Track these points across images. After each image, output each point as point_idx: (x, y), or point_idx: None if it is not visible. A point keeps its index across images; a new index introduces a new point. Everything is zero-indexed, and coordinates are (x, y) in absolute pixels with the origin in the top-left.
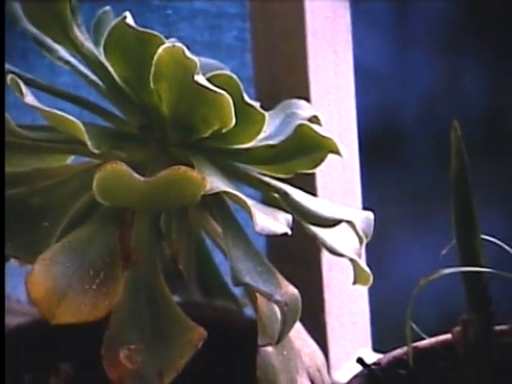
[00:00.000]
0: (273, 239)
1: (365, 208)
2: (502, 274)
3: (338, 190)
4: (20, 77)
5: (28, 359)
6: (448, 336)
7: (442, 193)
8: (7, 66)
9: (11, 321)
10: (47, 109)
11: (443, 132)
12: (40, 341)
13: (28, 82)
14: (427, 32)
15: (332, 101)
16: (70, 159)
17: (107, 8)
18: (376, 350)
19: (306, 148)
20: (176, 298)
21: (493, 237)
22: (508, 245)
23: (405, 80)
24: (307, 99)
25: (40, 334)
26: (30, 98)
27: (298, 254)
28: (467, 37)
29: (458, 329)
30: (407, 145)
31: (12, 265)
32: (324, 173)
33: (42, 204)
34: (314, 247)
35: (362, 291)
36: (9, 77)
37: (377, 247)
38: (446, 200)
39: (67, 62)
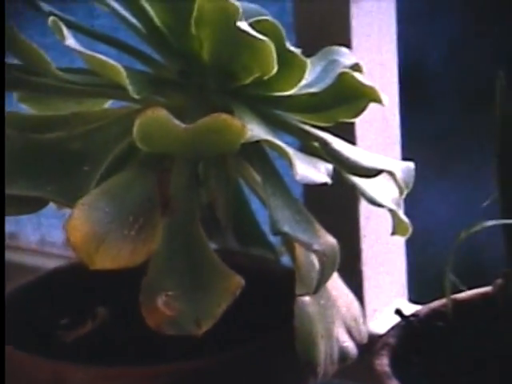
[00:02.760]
0: (311, 188)
1: (405, 158)
2: None
3: (378, 139)
4: (60, 19)
5: (65, 302)
6: (488, 288)
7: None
8: (47, 8)
9: (46, 263)
10: (88, 52)
11: None
12: (77, 284)
13: (67, 24)
14: None
15: (373, 47)
16: (109, 104)
17: None
18: (412, 300)
19: (347, 96)
20: (213, 246)
21: None
22: None
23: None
24: (348, 46)
25: (77, 277)
26: (71, 41)
27: (336, 204)
28: None
29: (499, 281)
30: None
31: (48, 208)
32: (363, 122)
33: (81, 148)
34: (352, 197)
35: (399, 242)
36: (50, 19)
37: (415, 196)
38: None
39: (107, 5)
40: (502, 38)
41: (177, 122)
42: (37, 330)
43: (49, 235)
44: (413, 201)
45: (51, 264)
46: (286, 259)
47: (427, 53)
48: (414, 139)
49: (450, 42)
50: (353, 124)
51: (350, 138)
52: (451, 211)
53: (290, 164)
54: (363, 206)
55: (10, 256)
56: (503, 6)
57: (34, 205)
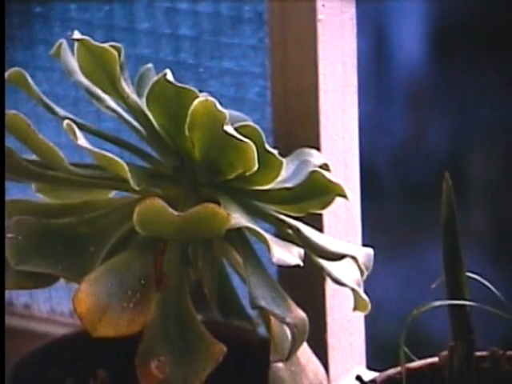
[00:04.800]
0: (284, 268)
1: (365, 244)
2: (483, 307)
3: (342, 228)
4: (73, 122)
5: (71, 365)
6: (435, 359)
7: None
8: (63, 113)
9: (57, 331)
10: (96, 150)
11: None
12: (82, 349)
13: (79, 126)
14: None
15: (339, 151)
16: (113, 194)
17: (149, 65)
18: (370, 368)
19: (317, 191)
20: (200, 317)
21: (476, 274)
22: (488, 281)
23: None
24: (318, 148)
25: (82, 343)
26: (82, 141)
27: (306, 282)
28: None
29: (444, 353)
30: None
31: (58, 282)
32: (330, 212)
33: (88, 232)
34: (320, 276)
35: (360, 316)
36: (65, 122)
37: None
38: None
39: (114, 111)
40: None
41: (171, 210)
42: None
43: (58, 306)
44: (368, 280)
45: (60, 331)
46: (262, 330)
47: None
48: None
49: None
50: (321, 214)
51: (319, 227)
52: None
53: (268, 248)
54: (329, 284)
55: (24, 324)
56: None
57: (46, 280)
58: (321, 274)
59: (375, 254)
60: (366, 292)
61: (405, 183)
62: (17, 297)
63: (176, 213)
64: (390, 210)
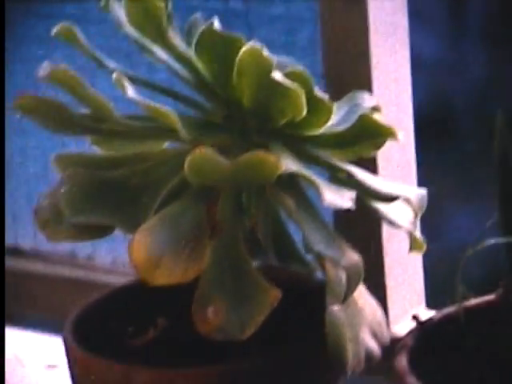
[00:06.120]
0: (339, 213)
1: (419, 185)
2: None
3: (396, 169)
4: (124, 74)
5: (132, 314)
6: (492, 296)
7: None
8: (113, 66)
9: (119, 280)
10: (146, 101)
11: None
12: (142, 298)
13: (132, 79)
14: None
15: (391, 92)
16: (165, 145)
17: (198, 14)
18: (429, 307)
19: (367, 134)
20: (255, 263)
21: None
22: None
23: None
24: (370, 91)
25: (142, 292)
26: (131, 93)
27: (361, 227)
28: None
29: (500, 290)
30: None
31: (119, 233)
32: (384, 154)
33: (141, 183)
34: (375, 219)
35: (417, 256)
36: (114, 74)
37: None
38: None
39: (163, 61)
40: None
41: (222, 158)
42: (108, 337)
43: (120, 257)
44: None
45: (122, 281)
46: (318, 274)
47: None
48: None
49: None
50: (374, 158)
51: (373, 169)
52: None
53: (319, 192)
54: (385, 227)
55: (87, 275)
56: None
57: (101, 232)
58: (376, 217)
59: (430, 195)
60: (423, 232)
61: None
62: (80, 248)
63: (227, 161)
64: (463, 151)
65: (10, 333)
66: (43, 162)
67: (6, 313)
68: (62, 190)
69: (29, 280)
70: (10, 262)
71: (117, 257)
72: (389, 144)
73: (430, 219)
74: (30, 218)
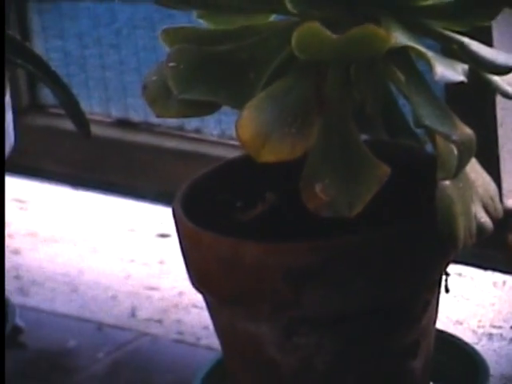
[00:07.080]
0: (451, 87)
1: None
2: None
3: None
4: None
5: (240, 188)
6: None
7: None
8: None
9: (227, 154)
10: None
11: None
12: (251, 173)
13: None
14: None
15: None
16: (272, 18)
17: None
18: None
19: (482, 2)
20: (364, 138)
21: None
22: None
23: None
24: None
25: (251, 167)
26: None
27: (474, 99)
28: None
29: None
30: None
31: (225, 108)
32: (500, 24)
33: (248, 58)
34: (489, 92)
35: None
36: None
37: None
38: None
39: None
40: None
41: (329, 32)
42: (217, 211)
43: (228, 130)
44: None
45: (230, 154)
46: (429, 147)
47: None
48: None
49: None
50: (489, 28)
51: (488, 40)
52: None
53: (430, 65)
54: (499, 99)
55: (195, 147)
56: None
57: (208, 108)
58: (490, 90)
59: None
60: None
61: None
62: (188, 122)
63: (335, 35)
64: None
65: (122, 202)
66: (151, 35)
67: (115, 184)
68: (169, 67)
69: (138, 152)
70: (121, 134)
71: (225, 129)
72: (505, 14)
73: None
74: (139, 91)
